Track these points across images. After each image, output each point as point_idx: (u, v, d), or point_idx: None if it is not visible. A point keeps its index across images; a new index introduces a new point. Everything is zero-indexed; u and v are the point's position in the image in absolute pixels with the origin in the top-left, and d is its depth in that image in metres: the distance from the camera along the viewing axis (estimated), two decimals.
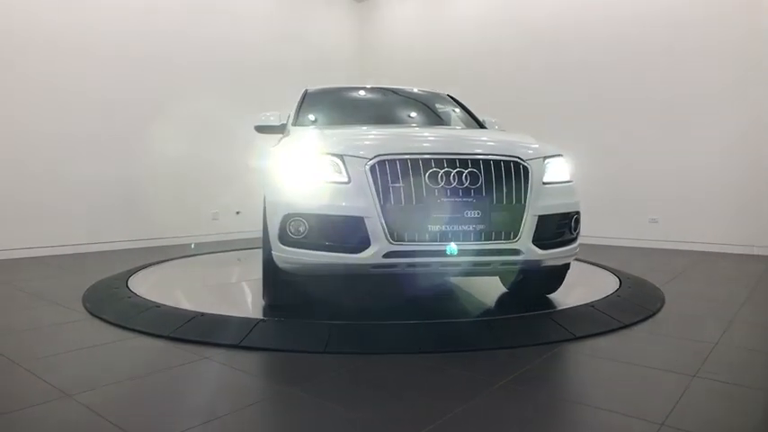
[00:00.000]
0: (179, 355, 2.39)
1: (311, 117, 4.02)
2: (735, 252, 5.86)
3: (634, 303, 3.28)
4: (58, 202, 5.67)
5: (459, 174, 2.58)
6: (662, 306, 3.33)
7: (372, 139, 2.95)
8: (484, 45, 7.83)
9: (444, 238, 2.54)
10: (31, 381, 2.09)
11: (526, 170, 2.70)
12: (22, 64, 5.44)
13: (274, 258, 2.78)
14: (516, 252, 2.63)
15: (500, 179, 2.63)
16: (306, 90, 4.41)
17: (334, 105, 4.31)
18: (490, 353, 2.46)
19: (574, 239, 2.94)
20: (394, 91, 4.54)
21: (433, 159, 2.59)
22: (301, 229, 2.64)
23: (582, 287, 3.87)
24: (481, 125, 4.07)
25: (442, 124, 4.08)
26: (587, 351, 2.48)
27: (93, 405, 1.85)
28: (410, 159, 2.59)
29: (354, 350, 2.47)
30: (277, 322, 2.82)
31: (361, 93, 4.55)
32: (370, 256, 2.54)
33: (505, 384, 2.05)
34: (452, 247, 2.54)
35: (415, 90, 4.55)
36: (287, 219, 2.66)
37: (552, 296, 3.54)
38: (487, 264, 2.69)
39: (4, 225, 5.31)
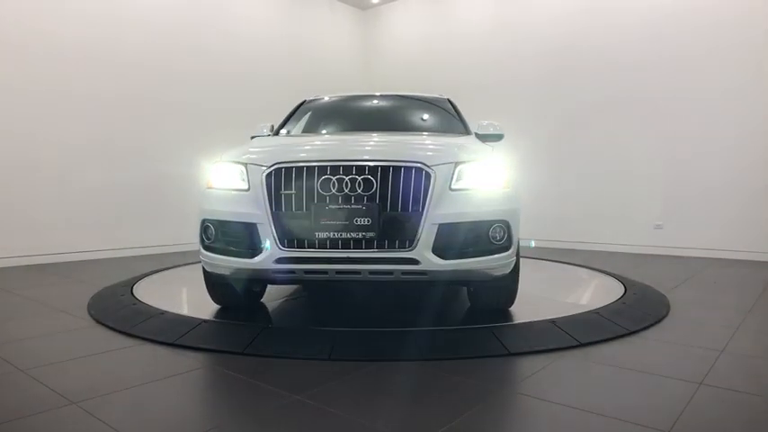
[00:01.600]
0: (183, 363, 2.40)
1: (289, 127, 4.14)
2: (741, 258, 5.83)
3: (639, 310, 3.27)
4: (60, 210, 5.69)
5: (353, 180, 2.56)
6: (667, 313, 3.31)
7: (283, 147, 2.97)
8: (487, 51, 7.85)
9: (334, 245, 2.55)
10: (35, 388, 2.10)
11: (428, 176, 2.58)
12: (34, 72, 5.49)
13: (201, 261, 2.99)
14: (413, 261, 2.53)
15: (397, 186, 2.55)
16: (304, 100, 4.52)
17: (320, 114, 4.37)
18: (494, 360, 2.45)
19: (496, 250, 2.69)
20: (386, 97, 4.51)
21: (329, 166, 2.59)
22: (209, 234, 2.84)
23: (587, 294, 3.86)
24: (465, 129, 3.89)
25: (422, 130, 3.95)
26: (592, 358, 2.47)
27: (97, 412, 1.85)
28: (306, 167, 2.61)
29: (358, 357, 2.46)
30: (281, 329, 2.82)
31: (351, 101, 4.53)
32: (261, 261, 2.62)
33: (511, 391, 2.04)
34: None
35: (410, 95, 4.52)
36: (202, 224, 2.87)
37: (556, 303, 3.52)
38: (388, 273, 2.59)
39: (5, 232, 5.34)
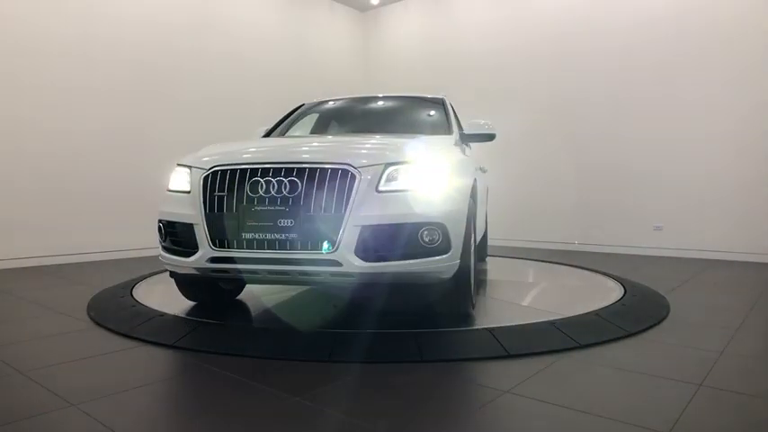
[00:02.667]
0: (182, 364, 2.40)
1: (286, 129, 4.26)
2: (740, 260, 5.83)
3: (639, 312, 3.27)
4: (60, 211, 5.69)
5: (279, 183, 2.60)
6: (667, 314, 3.31)
7: (227, 151, 2.99)
8: (486, 53, 7.86)
9: (260, 245, 2.60)
10: (35, 390, 2.09)
11: (352, 178, 2.57)
12: (34, 72, 5.50)
13: None
14: (336, 263, 2.53)
15: (322, 187, 2.57)
16: (302, 104, 4.61)
17: (319, 117, 4.47)
18: (494, 361, 2.45)
19: (429, 253, 2.61)
20: (379, 99, 4.52)
21: (259, 169, 2.66)
22: (162, 234, 2.99)
23: (586, 295, 3.87)
24: (448, 129, 3.82)
25: (407, 130, 3.88)
26: (592, 359, 2.47)
27: (96, 414, 1.85)
28: (239, 169, 2.69)
29: (358, 358, 2.46)
30: (282, 331, 2.82)
31: (345, 104, 4.56)
32: (196, 260, 2.74)
33: (510, 393, 2.04)
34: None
35: (405, 96, 4.51)
36: (158, 224, 3.03)
37: (556, 304, 3.52)
38: (316, 274, 2.61)
39: (4, 233, 5.34)
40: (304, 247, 2.56)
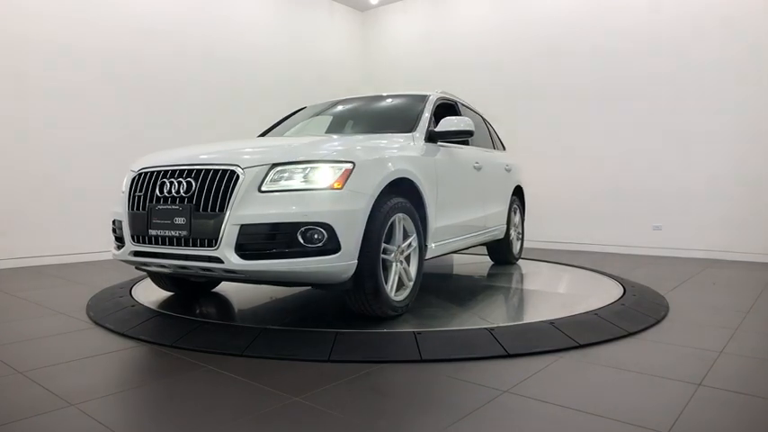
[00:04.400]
0: (182, 364, 2.40)
1: (283, 130, 4.41)
2: (740, 259, 5.84)
3: (638, 311, 3.27)
4: (59, 211, 5.69)
5: (179, 183, 2.80)
6: (666, 314, 3.32)
7: (157, 154, 3.23)
8: (486, 52, 7.87)
9: (163, 242, 2.82)
10: (34, 390, 2.09)
11: (237, 178, 2.66)
12: (35, 73, 5.50)
13: None
14: (218, 260, 2.63)
15: (210, 188, 2.71)
16: (304, 107, 4.73)
17: (316, 119, 4.55)
18: (493, 361, 2.45)
19: (314, 253, 2.60)
20: (365, 99, 4.52)
21: (168, 171, 2.88)
22: (112, 229, 3.26)
23: (585, 295, 3.87)
24: (413, 127, 3.72)
25: (380, 129, 3.85)
26: (591, 359, 2.47)
27: (96, 414, 1.85)
28: (154, 171, 2.95)
29: (358, 359, 2.46)
30: (281, 331, 2.82)
31: (336, 106, 4.57)
32: (122, 252, 3.05)
33: (509, 393, 2.04)
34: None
35: (389, 95, 4.48)
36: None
37: (555, 304, 3.52)
38: (211, 270, 2.72)
39: (4, 234, 5.33)
40: (195, 244, 2.71)
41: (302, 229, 2.60)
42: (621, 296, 3.64)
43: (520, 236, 5.63)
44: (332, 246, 2.62)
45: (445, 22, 8.42)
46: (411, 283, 3.20)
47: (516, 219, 5.47)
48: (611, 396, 2.06)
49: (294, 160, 2.74)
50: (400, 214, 3.07)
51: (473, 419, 1.82)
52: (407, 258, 3.20)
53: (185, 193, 2.76)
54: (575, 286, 4.28)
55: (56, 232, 5.65)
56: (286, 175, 2.70)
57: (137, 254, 2.95)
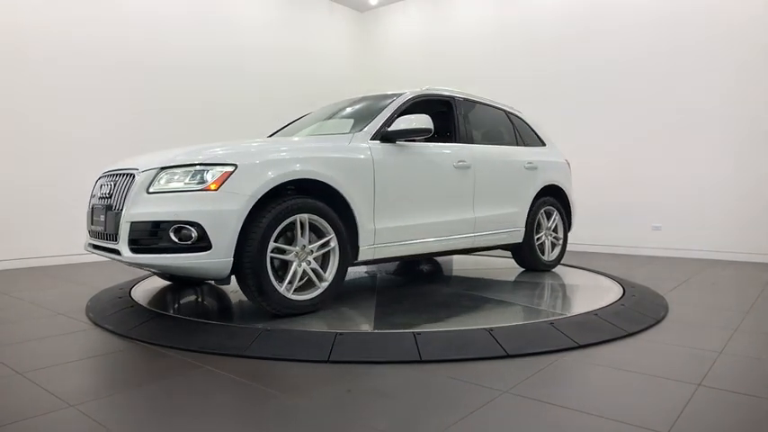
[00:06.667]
0: (181, 365, 2.39)
1: (285, 134, 4.50)
2: (739, 260, 5.84)
3: (637, 312, 3.27)
4: (59, 212, 5.68)
5: (107, 185, 3.19)
6: (666, 314, 3.32)
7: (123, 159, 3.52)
8: (485, 53, 7.87)
9: (96, 236, 3.24)
10: (33, 391, 2.09)
11: (133, 180, 2.97)
12: (34, 72, 5.50)
13: None
14: (119, 252, 2.92)
15: (120, 189, 3.06)
16: (310, 112, 4.76)
17: (305, 121, 4.59)
18: (492, 361, 2.45)
19: (186, 249, 2.78)
20: (352, 101, 4.47)
21: (108, 174, 3.26)
22: None
23: (585, 295, 3.87)
24: (361, 128, 3.69)
25: (344, 131, 3.86)
26: (591, 359, 2.47)
27: (95, 414, 1.85)
28: (102, 176, 3.35)
29: (357, 359, 2.46)
30: (281, 331, 2.82)
31: (328, 109, 4.58)
32: (85, 244, 3.44)
33: (509, 393, 2.04)
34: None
35: (371, 95, 4.42)
36: None
37: (554, 305, 3.52)
38: (121, 261, 3.00)
39: (3, 234, 5.33)
40: (110, 239, 3.03)
41: (175, 226, 2.81)
42: (621, 296, 3.64)
43: (558, 242, 5.02)
44: (203, 243, 2.80)
45: (444, 23, 8.42)
46: (325, 284, 3.18)
47: (550, 223, 4.94)
48: (610, 396, 2.07)
49: (179, 164, 2.94)
50: (304, 215, 3.05)
51: (473, 420, 1.82)
52: (323, 258, 3.21)
53: (108, 194, 3.12)
54: (574, 286, 4.27)
55: (55, 233, 5.64)
56: (174, 177, 2.93)
57: (91, 245, 3.35)
